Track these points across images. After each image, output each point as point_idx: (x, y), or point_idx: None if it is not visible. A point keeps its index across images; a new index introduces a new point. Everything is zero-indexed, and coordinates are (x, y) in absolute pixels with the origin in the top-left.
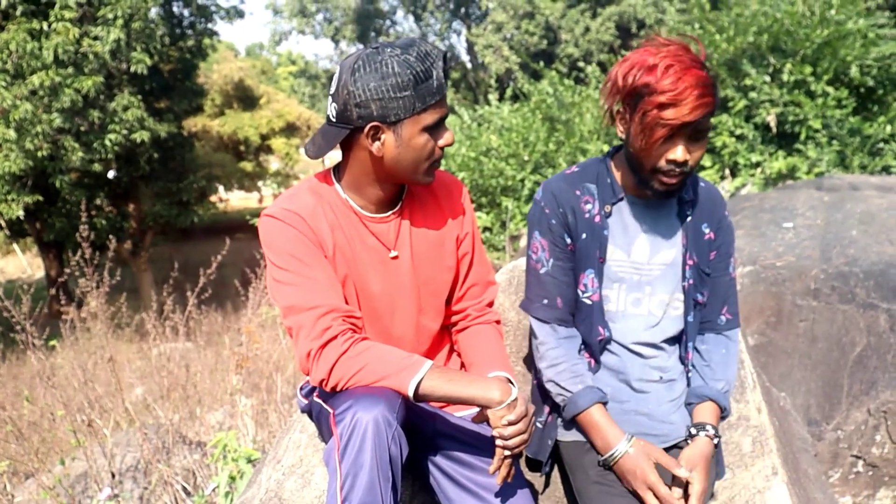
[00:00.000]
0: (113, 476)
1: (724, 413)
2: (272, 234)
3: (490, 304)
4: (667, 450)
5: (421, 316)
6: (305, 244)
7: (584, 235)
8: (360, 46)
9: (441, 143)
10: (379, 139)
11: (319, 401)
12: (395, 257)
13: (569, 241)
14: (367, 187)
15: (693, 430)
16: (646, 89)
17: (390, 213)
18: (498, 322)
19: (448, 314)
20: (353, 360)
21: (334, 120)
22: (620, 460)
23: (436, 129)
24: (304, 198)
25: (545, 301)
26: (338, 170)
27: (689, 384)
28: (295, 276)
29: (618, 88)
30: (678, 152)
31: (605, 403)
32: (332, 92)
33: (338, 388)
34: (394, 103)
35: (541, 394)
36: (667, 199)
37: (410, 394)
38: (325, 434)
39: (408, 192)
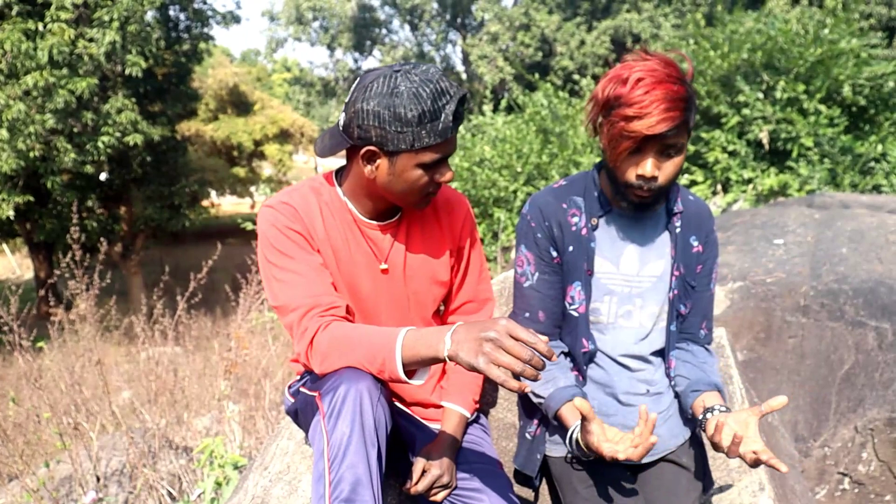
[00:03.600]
0: (98, 480)
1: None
2: (265, 224)
3: None
4: (654, 462)
5: (407, 325)
6: (293, 236)
7: (571, 248)
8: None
9: (438, 179)
10: (373, 163)
11: (305, 390)
12: (385, 270)
13: (555, 254)
14: (362, 198)
15: (721, 408)
16: (616, 101)
17: (388, 222)
18: None
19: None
20: (334, 347)
21: (341, 128)
22: (584, 444)
23: (434, 166)
24: (303, 193)
25: (527, 314)
26: (341, 173)
27: (675, 390)
28: (281, 271)
29: (597, 101)
30: (647, 167)
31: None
32: (346, 101)
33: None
34: (393, 135)
35: (528, 407)
36: (642, 211)
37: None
38: (309, 419)
39: None
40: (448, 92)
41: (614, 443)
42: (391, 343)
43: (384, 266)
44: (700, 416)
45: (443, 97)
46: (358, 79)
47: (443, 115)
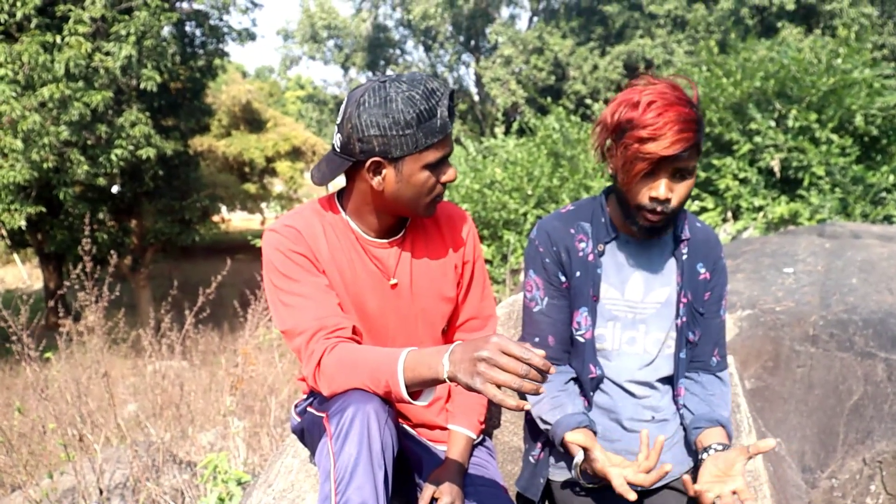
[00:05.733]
0: (101, 492)
1: (729, 442)
2: (269, 249)
3: None
4: (658, 489)
5: (416, 344)
6: (297, 259)
7: (577, 273)
8: (370, 74)
9: (443, 179)
10: (380, 174)
11: (312, 410)
12: (395, 285)
13: (563, 279)
14: (367, 215)
15: (717, 446)
16: (629, 124)
17: (392, 239)
18: None
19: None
20: (340, 369)
21: (338, 150)
22: (590, 471)
23: (438, 166)
24: (305, 216)
25: (536, 339)
26: (341, 195)
27: (682, 421)
28: (286, 295)
29: (606, 126)
30: (660, 189)
31: (588, 427)
32: (338, 122)
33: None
34: (396, 140)
35: (532, 430)
36: (652, 236)
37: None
38: (316, 439)
39: (411, 221)
40: (437, 90)
41: (621, 467)
42: (393, 365)
43: (394, 281)
44: (700, 456)
45: (434, 95)
46: (345, 99)
47: (439, 112)
